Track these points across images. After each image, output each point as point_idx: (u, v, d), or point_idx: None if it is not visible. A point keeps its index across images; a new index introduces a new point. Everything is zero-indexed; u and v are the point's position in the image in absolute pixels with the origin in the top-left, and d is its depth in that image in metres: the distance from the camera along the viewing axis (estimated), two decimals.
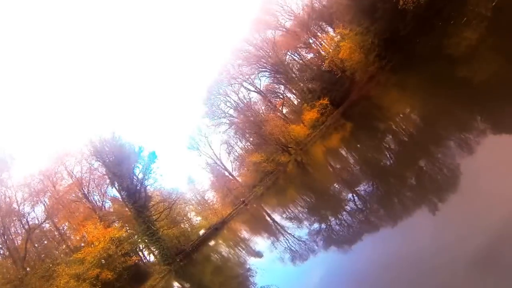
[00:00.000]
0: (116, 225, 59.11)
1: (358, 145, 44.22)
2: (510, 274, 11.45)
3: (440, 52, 32.88)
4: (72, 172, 65.05)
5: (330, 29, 60.85)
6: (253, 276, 31.34)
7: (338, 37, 53.60)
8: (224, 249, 53.06)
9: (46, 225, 59.65)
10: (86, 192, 64.44)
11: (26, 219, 55.28)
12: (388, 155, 31.68)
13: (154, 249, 59.14)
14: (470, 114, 23.78)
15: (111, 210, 66.18)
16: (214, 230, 65.50)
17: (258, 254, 35.74)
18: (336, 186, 38.22)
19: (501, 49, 25.90)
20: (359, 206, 28.47)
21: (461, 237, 15.06)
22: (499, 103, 20.98)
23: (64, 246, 59.26)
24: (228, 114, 78.10)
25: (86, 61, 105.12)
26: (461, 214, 17.00)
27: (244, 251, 41.87)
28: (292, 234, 34.07)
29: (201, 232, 69.11)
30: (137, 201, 57.48)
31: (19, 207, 55.10)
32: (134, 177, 60.28)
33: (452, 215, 17.78)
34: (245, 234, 53.45)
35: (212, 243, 60.54)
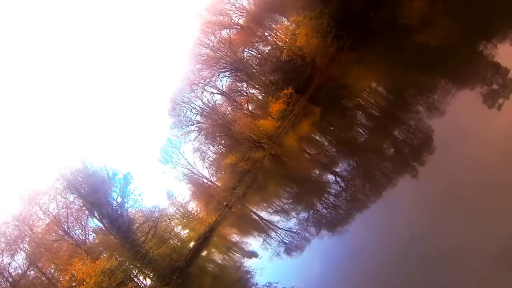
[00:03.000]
0: (105, 255, 57.41)
1: (331, 127, 44.45)
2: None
3: (395, 23, 33.22)
4: (48, 211, 62.71)
5: (284, 19, 60.85)
6: (253, 277, 31.18)
7: (293, 25, 53.49)
8: (218, 257, 52.54)
9: (31, 273, 57.20)
10: (66, 229, 62.23)
11: (8, 271, 52.99)
12: (361, 131, 32.01)
13: (149, 272, 57.80)
14: (433, 78, 24.37)
15: (96, 241, 64.15)
16: (204, 240, 64.70)
17: (253, 254, 35.54)
18: (316, 171, 38.26)
19: (452, 11, 26.62)
20: (342, 186, 28.67)
21: (445, 191, 15.40)
22: (457, 62, 21.61)
23: None
24: (195, 121, 76.98)
25: (39, 91, 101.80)
26: (441, 172, 17.38)
27: (238, 254, 41.59)
28: (282, 227, 34.06)
29: (191, 244, 68.17)
30: (120, 227, 56.04)
31: None
32: (113, 203, 58.64)
33: (433, 175, 18.16)
34: (235, 237, 53.10)
35: (204, 253, 59.84)
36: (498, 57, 21.13)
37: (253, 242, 38.77)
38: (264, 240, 35.51)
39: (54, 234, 59.86)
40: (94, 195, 56.16)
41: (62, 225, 60.64)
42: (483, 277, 12.10)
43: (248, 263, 35.47)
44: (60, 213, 61.40)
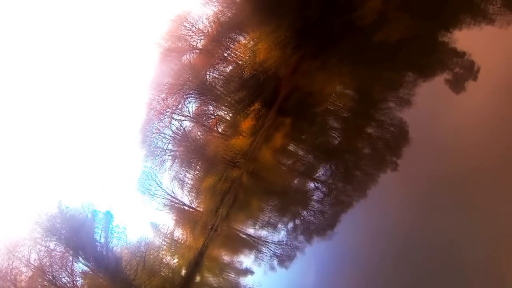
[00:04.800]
0: None
1: (303, 136, 44.81)
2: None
3: (353, 25, 34.13)
4: (30, 262, 60.61)
5: (241, 37, 61.44)
6: None
7: (252, 42, 54.15)
8: (213, 280, 51.85)
9: None
10: (51, 278, 60.12)
11: None
12: (334, 135, 32.58)
13: None
14: (397, 72, 25.16)
15: (85, 286, 62.45)
16: (195, 266, 63.87)
17: (248, 271, 35.38)
18: (296, 181, 38.50)
19: (405, 5, 27.63)
20: (324, 191, 29.02)
21: (427, 180, 15.86)
22: (418, 53, 22.45)
23: None
24: (167, 149, 76.31)
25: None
26: (419, 161, 17.93)
27: (232, 274, 41.26)
28: (272, 240, 34.11)
29: (183, 272, 67.08)
30: (108, 267, 54.67)
31: None
32: (97, 244, 57.35)
33: (412, 165, 18.69)
34: (227, 258, 52.59)
35: (198, 279, 59.00)
36: (455, 43, 22.11)
37: (245, 260, 38.58)
38: (256, 256, 35.41)
39: (39, 286, 57.71)
40: (75, 238, 54.68)
41: (47, 275, 58.49)
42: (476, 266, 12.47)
43: (244, 281, 35.25)
44: (43, 262, 59.22)
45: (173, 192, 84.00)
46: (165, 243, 79.03)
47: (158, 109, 76.35)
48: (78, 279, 61.45)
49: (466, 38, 22.51)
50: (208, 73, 74.74)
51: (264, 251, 35.27)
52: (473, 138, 15.01)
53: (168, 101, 76.53)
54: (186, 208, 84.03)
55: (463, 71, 21.76)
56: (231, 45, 69.26)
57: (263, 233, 38.60)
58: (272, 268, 29.55)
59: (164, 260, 74.54)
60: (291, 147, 47.58)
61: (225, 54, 70.11)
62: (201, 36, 69.28)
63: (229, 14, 60.93)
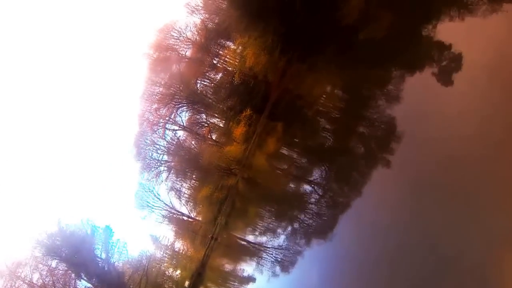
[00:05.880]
0: None
1: (295, 139, 44.80)
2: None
3: (338, 25, 34.21)
4: (32, 282, 60.06)
5: (230, 43, 61.41)
6: None
7: (240, 48, 54.09)
8: None
9: None
10: None
11: None
12: (326, 136, 32.59)
13: None
14: (384, 69, 25.23)
15: None
16: (198, 276, 63.50)
17: (251, 279, 35.26)
18: (292, 185, 38.45)
19: (387, 2, 27.81)
20: (320, 193, 28.97)
21: (419, 173, 15.87)
22: (403, 49, 22.51)
23: None
24: (162, 161, 76.04)
25: None
26: (412, 157, 17.96)
27: (236, 283, 41.07)
28: (272, 246, 33.99)
29: (186, 284, 66.65)
30: (111, 283, 54.32)
31: None
32: (98, 260, 56.93)
33: (404, 162, 18.74)
34: (228, 266, 52.42)
35: None
36: (440, 35, 22.25)
37: (247, 267, 38.47)
38: (258, 263, 35.31)
39: None
40: (76, 256, 54.33)
41: None
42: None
43: None
44: (46, 282, 58.77)
45: (171, 203, 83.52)
46: (167, 256, 78.47)
47: (151, 120, 76.12)
48: None
49: (447, 30, 22.69)
50: (199, 82, 74.77)
51: (265, 257, 35.14)
52: (457, 127, 15.11)
53: (160, 112, 76.35)
54: (185, 218, 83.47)
55: (450, 64, 21.89)
56: (220, 52, 69.18)
57: (263, 239, 38.41)
58: (274, 274, 29.42)
59: (167, 272, 74.05)
60: (284, 151, 47.50)
61: (215, 61, 70.05)
62: (189, 44, 69.10)
63: (216, 21, 60.99)
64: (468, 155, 15.02)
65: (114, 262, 58.57)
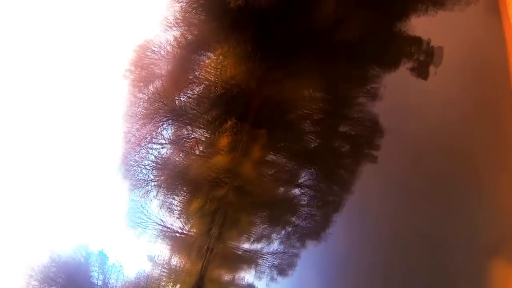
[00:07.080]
0: None
1: (281, 144, 45.19)
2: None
3: (313, 27, 34.70)
4: None
5: (210, 55, 61.66)
6: None
7: (220, 57, 54.37)
8: None
9: None
10: None
11: None
12: (311, 138, 33.02)
13: None
14: (363, 68, 25.80)
15: None
16: None
17: (251, 287, 35.43)
18: (281, 189, 38.78)
19: (359, 2, 28.42)
20: (310, 194, 29.31)
21: (406, 167, 16.30)
22: (379, 46, 23.08)
23: None
24: (149, 180, 75.75)
25: None
26: (397, 151, 18.43)
27: None
28: (268, 251, 34.18)
29: None
30: None
31: None
32: (95, 286, 56.34)
33: (390, 155, 19.20)
34: (227, 276, 52.45)
35: None
36: (415, 30, 22.88)
37: (246, 275, 38.62)
38: (255, 269, 35.47)
39: None
40: (74, 282, 53.76)
41: None
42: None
43: None
44: None
45: (162, 220, 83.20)
46: (164, 273, 77.93)
47: (137, 137, 75.83)
48: None
49: (424, 23, 23.32)
50: (179, 97, 74.83)
51: (262, 263, 35.32)
52: (439, 119, 15.63)
53: (143, 131, 76.01)
54: (179, 234, 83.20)
55: (427, 58, 22.47)
56: (201, 63, 69.49)
57: (258, 246, 38.59)
58: (273, 279, 29.64)
59: None
60: (271, 157, 47.79)
61: (196, 73, 70.31)
62: (170, 58, 69.28)
63: (196, 33, 61.23)
64: (450, 146, 15.49)
65: (112, 285, 58.14)
